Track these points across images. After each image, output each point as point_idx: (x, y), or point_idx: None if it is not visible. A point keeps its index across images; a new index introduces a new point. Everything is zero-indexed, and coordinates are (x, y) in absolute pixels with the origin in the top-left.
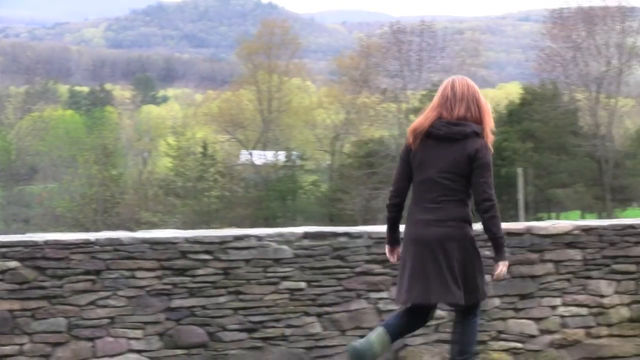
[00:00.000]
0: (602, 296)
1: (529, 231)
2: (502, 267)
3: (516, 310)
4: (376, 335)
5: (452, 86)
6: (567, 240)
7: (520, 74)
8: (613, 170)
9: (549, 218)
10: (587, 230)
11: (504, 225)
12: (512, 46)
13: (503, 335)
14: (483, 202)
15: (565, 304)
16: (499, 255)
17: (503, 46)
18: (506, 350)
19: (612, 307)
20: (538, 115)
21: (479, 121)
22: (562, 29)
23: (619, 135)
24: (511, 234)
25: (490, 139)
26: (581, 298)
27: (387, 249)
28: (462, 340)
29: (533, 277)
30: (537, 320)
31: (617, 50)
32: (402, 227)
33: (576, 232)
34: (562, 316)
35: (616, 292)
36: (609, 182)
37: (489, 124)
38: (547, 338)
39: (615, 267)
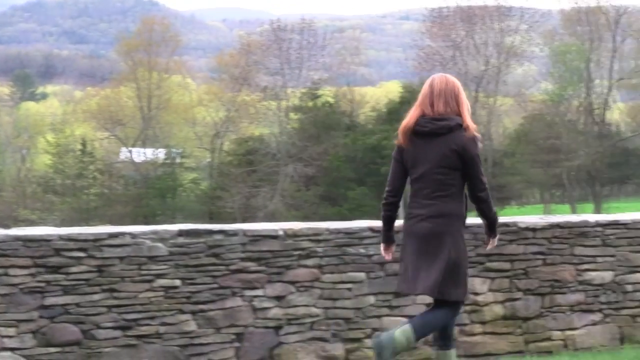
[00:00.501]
0: (477, 294)
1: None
2: (494, 242)
3: (391, 307)
4: (401, 330)
5: (430, 84)
6: None
7: (401, 73)
8: (492, 169)
9: None
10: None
11: (380, 224)
12: (392, 45)
13: (378, 333)
14: (479, 193)
15: None
16: (492, 232)
17: (383, 45)
18: None
19: (486, 304)
20: None
21: (458, 114)
22: (442, 28)
23: (498, 134)
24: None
25: (472, 128)
26: None
27: (382, 246)
28: (443, 330)
29: None
30: (412, 317)
31: (496, 50)
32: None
33: None
34: None
35: (490, 290)
36: (487, 180)
37: (466, 116)
38: None
39: (490, 265)
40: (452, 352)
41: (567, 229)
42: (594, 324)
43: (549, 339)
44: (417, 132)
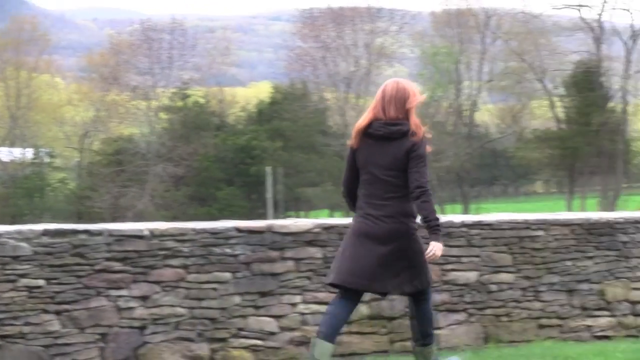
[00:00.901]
0: None
1: (270, 229)
2: (433, 248)
3: (256, 307)
4: (317, 349)
5: (383, 89)
6: (307, 238)
7: (271, 73)
8: None
9: (298, 217)
10: (328, 228)
11: (246, 224)
12: (263, 45)
13: (243, 333)
14: (415, 189)
15: (305, 302)
16: (432, 237)
17: (254, 45)
18: (246, 348)
19: None
20: (287, 114)
21: (407, 119)
22: (312, 29)
23: None
24: (252, 232)
25: (420, 130)
26: (321, 296)
27: None
28: (421, 326)
29: (273, 274)
30: (278, 317)
31: (366, 51)
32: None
33: (317, 230)
34: (302, 314)
35: None
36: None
37: (414, 120)
38: (287, 335)
39: None
40: (433, 347)
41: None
42: (459, 323)
43: None
44: (371, 135)
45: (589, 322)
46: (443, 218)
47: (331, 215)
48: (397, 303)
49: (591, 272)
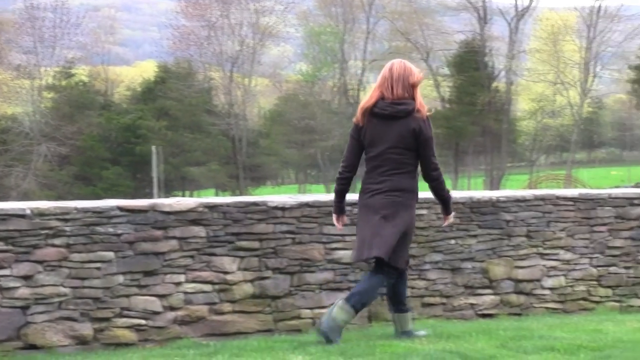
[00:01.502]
0: (226, 273)
1: (153, 208)
2: (450, 218)
3: (140, 287)
4: (338, 308)
5: (390, 68)
6: (191, 217)
7: (156, 52)
8: (247, 149)
9: (184, 196)
10: (212, 207)
11: (129, 203)
12: (148, 24)
13: (127, 312)
14: (431, 172)
15: (189, 281)
16: (447, 210)
17: (139, 24)
18: (130, 327)
19: (236, 283)
20: (173, 93)
21: (413, 99)
22: (197, 8)
23: (253, 114)
24: (135, 211)
25: (424, 109)
26: (205, 275)
27: (334, 217)
28: (395, 296)
29: (157, 254)
30: (161, 297)
31: (251, 30)
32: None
33: (200, 209)
34: (186, 293)
35: (240, 269)
36: (243, 160)
37: (419, 99)
38: (171, 314)
39: (239, 243)
40: (409, 315)
41: (316, 208)
42: None
43: (298, 317)
44: (377, 114)
45: (473, 300)
46: (325, 197)
47: (217, 195)
48: (281, 282)
49: (475, 251)
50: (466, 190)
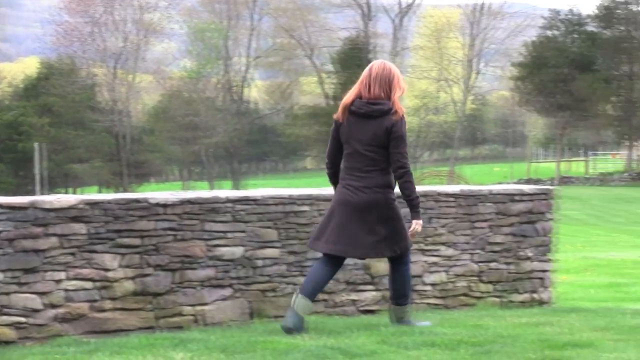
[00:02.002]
0: (107, 270)
1: (33, 205)
2: (415, 225)
3: (20, 284)
4: (299, 302)
5: (370, 68)
6: (72, 214)
7: (39, 48)
8: (131, 145)
9: (67, 193)
10: (92, 204)
11: (8, 200)
12: (31, 20)
13: (6, 310)
14: (398, 169)
15: (69, 278)
16: (414, 214)
17: (22, 20)
18: (9, 325)
19: (117, 280)
20: (56, 90)
21: (389, 99)
22: (80, 4)
23: (137, 110)
24: (15, 207)
25: (401, 110)
26: (86, 272)
27: None
28: (398, 287)
29: (37, 251)
30: (42, 294)
31: (135, 26)
32: None
33: (81, 206)
34: (67, 290)
35: (121, 266)
36: (126, 157)
37: (397, 101)
38: (52, 312)
39: (120, 240)
40: (407, 308)
41: (198, 204)
42: (225, 299)
43: (179, 314)
44: (353, 112)
45: (355, 296)
46: (208, 194)
47: (100, 192)
48: (162, 279)
49: None
50: None
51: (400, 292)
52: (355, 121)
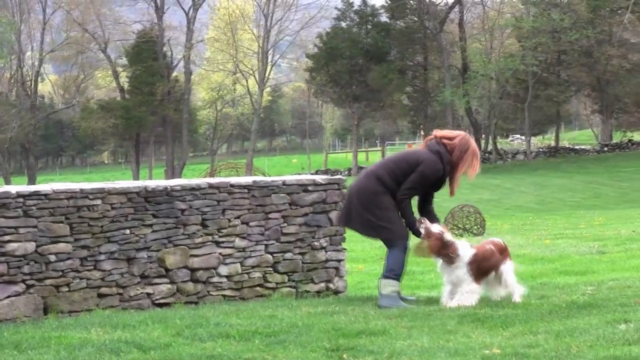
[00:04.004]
0: None
1: None
2: None
3: None
4: (382, 284)
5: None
6: None
7: None
8: None
9: None
10: None
11: None
12: None
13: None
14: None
15: None
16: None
17: None
18: None
19: None
20: None
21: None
22: None
23: None
24: None
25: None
26: None
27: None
28: (387, 260)
29: None
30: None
31: None
32: None
33: None
34: None
35: None
36: None
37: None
38: None
39: None
40: (389, 282)
41: None
42: (17, 295)
43: None
44: None
45: (149, 289)
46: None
47: None
48: None
49: (150, 240)
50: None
51: (388, 266)
52: None
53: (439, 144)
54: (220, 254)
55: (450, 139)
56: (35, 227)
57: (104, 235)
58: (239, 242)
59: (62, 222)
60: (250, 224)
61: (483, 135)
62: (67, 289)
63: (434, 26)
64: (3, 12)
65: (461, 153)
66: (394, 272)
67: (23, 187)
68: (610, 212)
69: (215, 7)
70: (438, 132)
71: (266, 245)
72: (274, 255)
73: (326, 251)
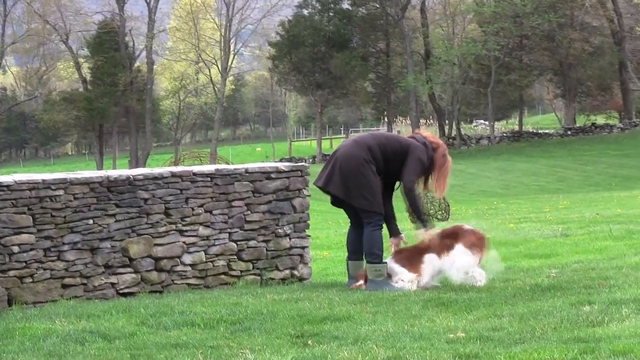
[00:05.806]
0: None
1: None
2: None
3: None
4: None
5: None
6: None
7: None
8: None
9: None
10: None
11: None
12: None
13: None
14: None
15: None
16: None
17: None
18: None
19: None
20: None
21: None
22: None
23: None
24: None
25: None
26: None
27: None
28: (363, 245)
29: None
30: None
31: None
32: None
33: None
34: None
35: None
36: None
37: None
38: None
39: None
40: (373, 267)
41: None
42: None
43: None
44: None
45: (114, 279)
46: None
47: None
48: None
49: (113, 230)
50: None
51: (367, 251)
52: None
53: (424, 139)
54: (184, 242)
55: (436, 141)
56: None
57: (67, 226)
58: (202, 231)
59: (24, 213)
60: (214, 212)
61: (447, 121)
62: (30, 280)
63: (396, 13)
64: None
65: (443, 159)
66: (374, 255)
67: None
68: (574, 195)
69: None
70: (424, 132)
71: (230, 234)
72: (238, 243)
73: (290, 238)
